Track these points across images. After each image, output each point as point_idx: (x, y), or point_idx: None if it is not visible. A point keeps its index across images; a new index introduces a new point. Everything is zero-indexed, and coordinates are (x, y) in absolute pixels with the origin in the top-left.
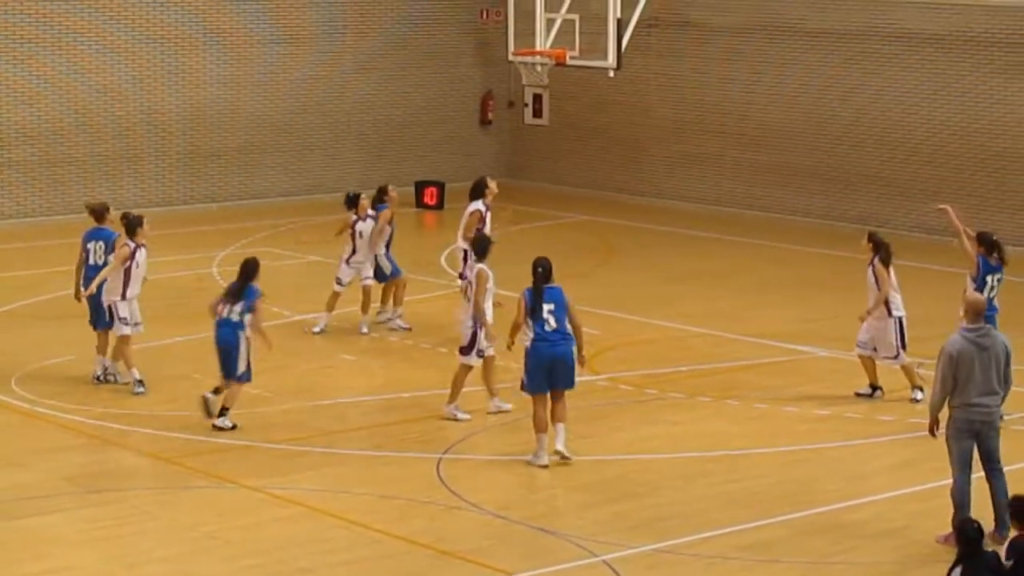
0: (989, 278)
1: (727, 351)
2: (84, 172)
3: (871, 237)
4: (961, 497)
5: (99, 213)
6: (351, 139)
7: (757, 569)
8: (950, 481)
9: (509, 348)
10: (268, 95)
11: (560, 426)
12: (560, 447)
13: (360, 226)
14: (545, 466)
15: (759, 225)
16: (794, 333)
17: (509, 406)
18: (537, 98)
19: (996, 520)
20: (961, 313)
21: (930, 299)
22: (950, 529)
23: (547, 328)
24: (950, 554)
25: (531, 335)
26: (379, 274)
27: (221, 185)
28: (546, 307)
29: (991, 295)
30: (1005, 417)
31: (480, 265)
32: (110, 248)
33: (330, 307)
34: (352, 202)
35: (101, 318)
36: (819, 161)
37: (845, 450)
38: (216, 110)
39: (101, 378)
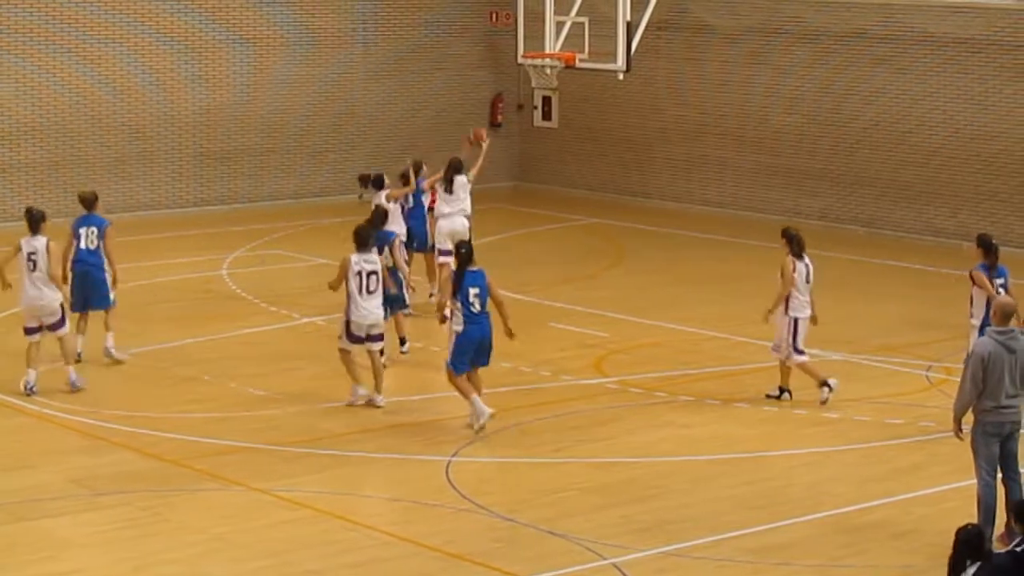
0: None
1: (736, 354)
2: (97, 173)
3: (784, 232)
4: (988, 508)
5: (89, 201)
6: (362, 142)
7: (766, 572)
8: (959, 484)
9: (441, 323)
10: (281, 98)
11: (479, 398)
12: (484, 420)
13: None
14: (489, 417)
15: (769, 228)
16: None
17: (372, 395)
18: (546, 101)
19: (1008, 524)
20: (991, 317)
21: (938, 302)
22: (1002, 530)
23: (473, 310)
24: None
25: (460, 317)
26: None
27: (233, 187)
28: (472, 290)
29: None
30: None
31: (351, 255)
32: (102, 234)
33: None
34: (378, 183)
35: (79, 302)
36: (829, 164)
37: (854, 453)
38: (230, 113)
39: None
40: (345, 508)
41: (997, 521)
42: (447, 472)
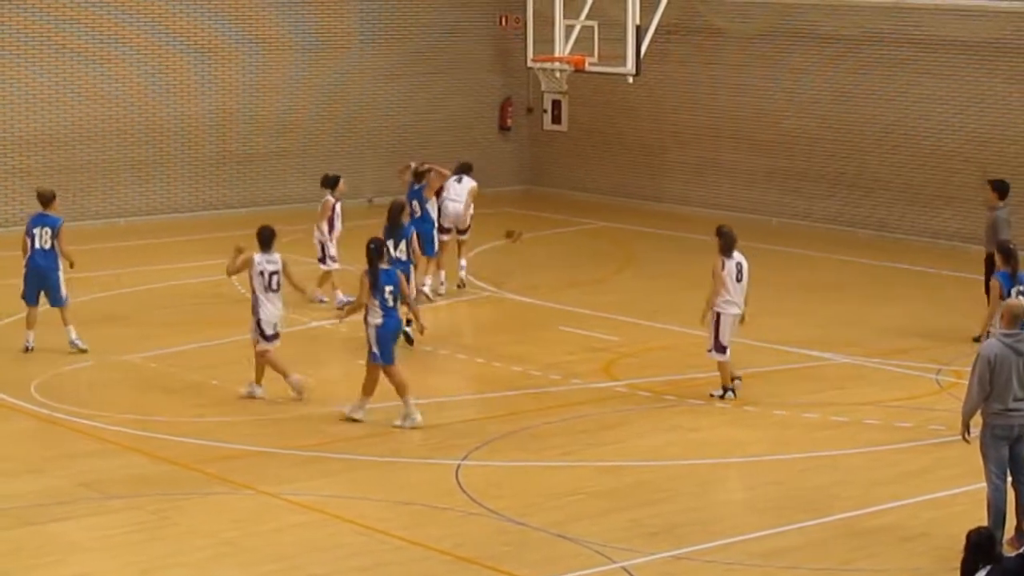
0: (1012, 292)
1: (745, 357)
2: (110, 177)
3: (717, 230)
4: (997, 511)
5: (46, 199)
6: (372, 145)
7: None
8: (969, 488)
9: (340, 320)
10: (291, 101)
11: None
12: (418, 420)
13: (339, 207)
14: (359, 420)
15: (778, 231)
16: (812, 339)
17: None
18: (556, 104)
19: (1017, 528)
20: (999, 319)
21: (948, 306)
22: (1012, 533)
23: (388, 305)
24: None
25: (378, 311)
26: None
27: (244, 191)
28: (387, 287)
29: None
30: None
31: (255, 255)
32: (55, 233)
33: (323, 284)
34: (331, 183)
35: (32, 295)
36: (838, 167)
37: (863, 457)
38: (241, 116)
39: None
40: (355, 512)
41: (1008, 524)
42: (457, 476)
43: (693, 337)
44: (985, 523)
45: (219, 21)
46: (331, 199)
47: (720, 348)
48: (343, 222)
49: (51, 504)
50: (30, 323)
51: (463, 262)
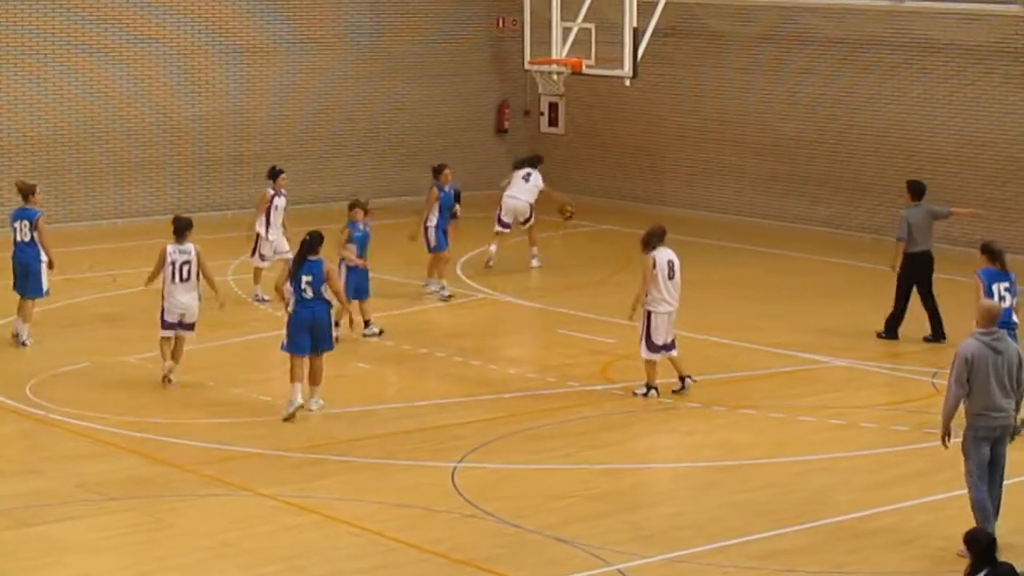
0: (996, 287)
1: (742, 360)
2: (96, 179)
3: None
4: (982, 511)
5: (24, 193)
6: (367, 147)
7: None
8: (964, 491)
9: (287, 309)
10: (286, 103)
11: (316, 388)
12: (315, 407)
13: (277, 201)
14: (291, 416)
15: (775, 234)
16: (809, 343)
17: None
18: (553, 107)
19: (987, 524)
20: (975, 320)
21: (945, 309)
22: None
23: (305, 296)
24: (964, 564)
25: (292, 300)
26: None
27: (238, 193)
28: (304, 278)
29: (1003, 306)
30: (1022, 429)
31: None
32: (34, 226)
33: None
34: (273, 175)
35: (19, 287)
36: (836, 171)
37: (859, 460)
38: (233, 120)
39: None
40: (351, 514)
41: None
42: (453, 478)
43: (691, 340)
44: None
45: (209, 27)
46: (270, 191)
47: (652, 347)
48: (283, 219)
49: (47, 505)
50: (22, 315)
51: (534, 249)
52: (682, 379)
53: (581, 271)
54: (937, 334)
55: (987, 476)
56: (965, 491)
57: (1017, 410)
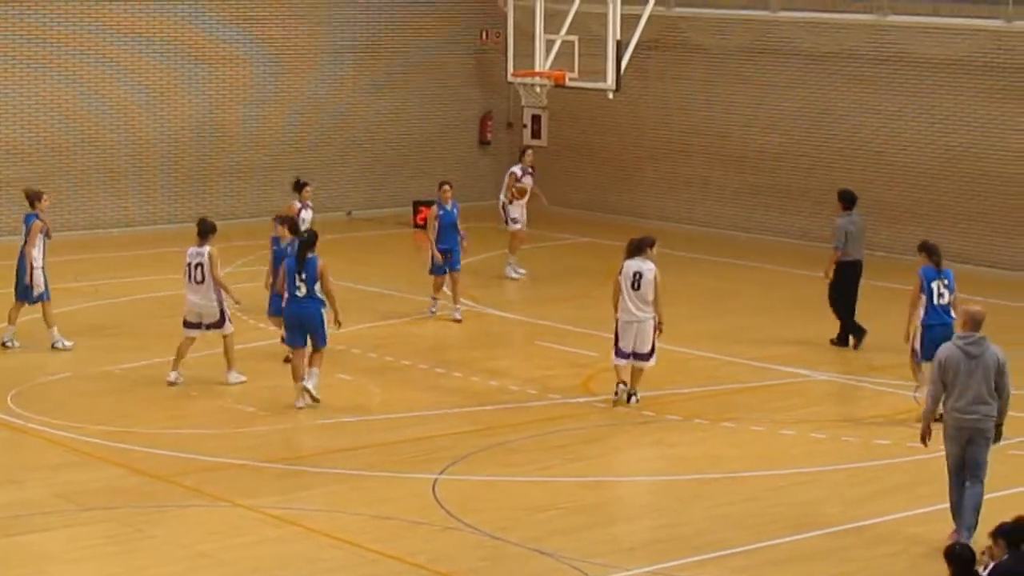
0: (935, 285)
1: (724, 373)
2: (91, 188)
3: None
4: (958, 498)
5: (30, 199)
6: (350, 159)
7: None
8: (947, 504)
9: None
10: (270, 115)
11: (314, 369)
12: (311, 387)
13: (304, 214)
14: (300, 407)
15: (757, 247)
16: (790, 356)
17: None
18: (536, 119)
19: (957, 524)
20: (959, 323)
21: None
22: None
23: (298, 294)
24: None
25: (286, 297)
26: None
27: (223, 204)
28: (298, 276)
29: (942, 302)
30: (1004, 437)
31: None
32: (27, 231)
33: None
34: (298, 187)
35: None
36: (818, 184)
37: (842, 473)
38: (223, 130)
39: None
40: (331, 525)
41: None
42: (434, 490)
43: (671, 353)
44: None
45: (195, 36)
46: (296, 204)
47: (617, 352)
48: None
49: (27, 515)
50: (10, 319)
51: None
52: (630, 394)
53: (562, 283)
54: (843, 340)
55: (960, 474)
56: (947, 504)
57: (1001, 415)
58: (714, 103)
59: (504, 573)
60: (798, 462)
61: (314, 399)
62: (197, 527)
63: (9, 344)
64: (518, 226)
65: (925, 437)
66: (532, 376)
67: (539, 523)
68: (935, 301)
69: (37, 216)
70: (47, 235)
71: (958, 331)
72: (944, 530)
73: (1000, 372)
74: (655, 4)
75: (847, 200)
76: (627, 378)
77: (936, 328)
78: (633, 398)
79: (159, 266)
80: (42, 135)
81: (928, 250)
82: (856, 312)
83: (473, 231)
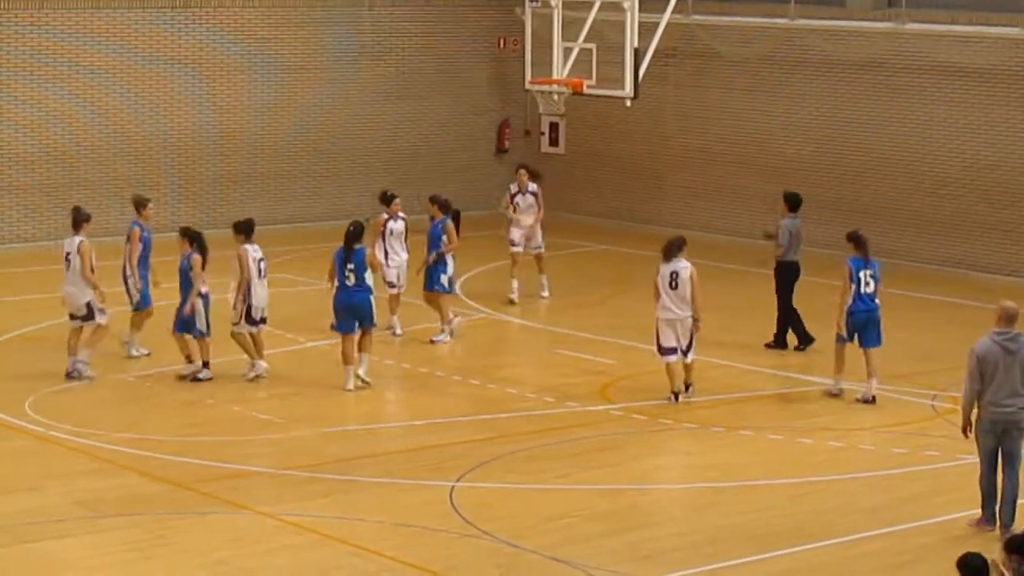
0: (862, 274)
1: (742, 382)
2: (98, 197)
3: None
4: (988, 487)
5: (136, 206)
6: (368, 166)
7: None
8: (963, 514)
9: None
10: (284, 122)
11: (364, 355)
12: (361, 373)
13: (392, 225)
14: (350, 390)
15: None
16: (809, 364)
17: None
18: (554, 127)
19: (1001, 519)
20: (997, 320)
21: (944, 331)
22: (980, 512)
23: (348, 283)
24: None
25: (336, 286)
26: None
27: (238, 212)
28: (347, 266)
29: (868, 291)
30: None
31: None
32: (128, 237)
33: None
34: (387, 200)
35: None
36: (838, 192)
37: (857, 482)
38: (234, 138)
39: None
40: (349, 533)
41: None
42: (451, 497)
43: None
44: (979, 511)
45: (210, 41)
46: (384, 215)
47: (660, 350)
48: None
49: (46, 522)
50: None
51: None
52: (678, 392)
53: (581, 291)
54: (780, 342)
55: (994, 465)
56: (963, 513)
57: None
58: (733, 111)
59: None
60: (815, 471)
61: (364, 382)
62: (216, 534)
63: (136, 352)
64: (514, 248)
65: (966, 429)
66: (549, 384)
67: (556, 531)
68: (862, 289)
69: (137, 223)
70: (143, 242)
71: (994, 328)
72: (958, 539)
73: None
74: (673, 12)
75: (793, 202)
76: (679, 381)
77: (860, 314)
78: (690, 388)
79: (166, 275)
80: (50, 144)
81: (856, 240)
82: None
83: (490, 240)
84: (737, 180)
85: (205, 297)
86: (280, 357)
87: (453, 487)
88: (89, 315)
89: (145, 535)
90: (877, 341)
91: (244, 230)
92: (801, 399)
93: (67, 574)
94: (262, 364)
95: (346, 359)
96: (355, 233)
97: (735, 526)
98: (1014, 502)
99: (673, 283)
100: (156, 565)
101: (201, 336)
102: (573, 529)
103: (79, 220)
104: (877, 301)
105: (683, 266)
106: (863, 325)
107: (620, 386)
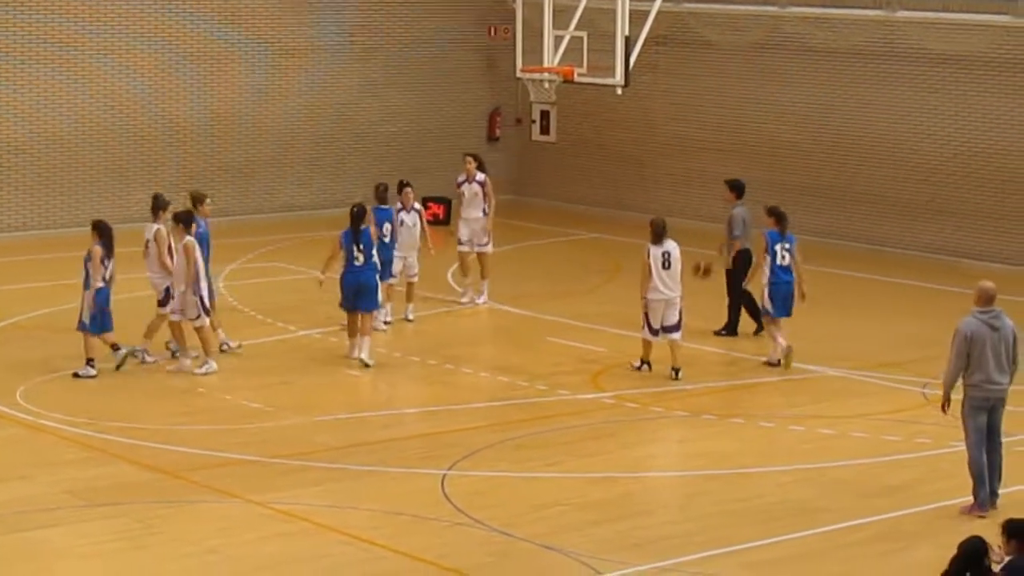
0: (778, 247)
1: (733, 369)
2: (94, 184)
3: (650, 222)
4: (979, 471)
5: (193, 202)
6: (359, 154)
7: None
8: (955, 501)
9: (320, 284)
10: (276, 110)
11: (366, 339)
12: (364, 356)
13: (403, 216)
14: (355, 358)
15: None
16: (800, 352)
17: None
18: (544, 115)
19: (990, 485)
20: (976, 299)
21: (936, 319)
22: (971, 499)
23: (356, 263)
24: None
25: (343, 267)
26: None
27: (227, 201)
28: (356, 247)
29: (783, 263)
30: (1007, 434)
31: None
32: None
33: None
34: (397, 190)
35: None
36: (828, 180)
37: (849, 469)
38: (226, 126)
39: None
40: (340, 521)
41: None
42: (442, 486)
43: (681, 349)
44: (970, 488)
45: (205, 27)
46: (397, 207)
47: (650, 329)
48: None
49: (37, 511)
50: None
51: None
52: (674, 369)
53: (571, 279)
54: (732, 329)
55: (984, 441)
56: (955, 501)
57: (1009, 382)
58: (724, 99)
59: (512, 569)
60: (807, 458)
61: (366, 365)
62: (206, 523)
63: (236, 349)
64: (460, 247)
65: (945, 406)
66: (541, 372)
67: (548, 519)
68: (778, 261)
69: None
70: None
71: (975, 307)
72: (949, 527)
73: (1015, 342)
74: (664, 0)
75: (739, 189)
76: (650, 355)
77: (780, 285)
78: (679, 373)
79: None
80: (47, 131)
81: (776, 215)
82: (741, 301)
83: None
84: (727, 168)
85: (100, 292)
86: (271, 345)
87: (445, 475)
88: (165, 301)
89: (135, 524)
90: (788, 312)
91: (185, 221)
92: (792, 387)
93: (58, 563)
94: (213, 364)
95: (351, 333)
96: (360, 214)
97: (728, 513)
98: (1000, 468)
99: (666, 263)
100: (146, 554)
101: (85, 330)
102: (565, 517)
103: (158, 207)
104: (794, 273)
105: (672, 246)
106: (784, 296)
107: (611, 374)
